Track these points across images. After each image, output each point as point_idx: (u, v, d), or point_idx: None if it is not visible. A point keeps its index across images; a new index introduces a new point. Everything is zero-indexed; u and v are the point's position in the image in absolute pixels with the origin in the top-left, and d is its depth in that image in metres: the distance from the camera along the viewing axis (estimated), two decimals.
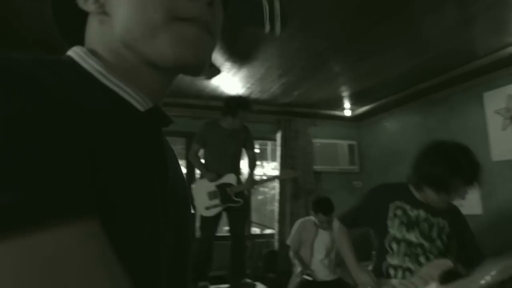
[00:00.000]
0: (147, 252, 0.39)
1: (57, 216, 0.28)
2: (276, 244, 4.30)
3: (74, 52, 0.45)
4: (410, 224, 1.78)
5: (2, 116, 0.28)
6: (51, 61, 0.38)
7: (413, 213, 1.78)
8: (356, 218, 1.91)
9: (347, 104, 4.47)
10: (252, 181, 3.37)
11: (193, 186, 3.26)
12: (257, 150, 3.66)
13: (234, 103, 3.12)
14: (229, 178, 3.20)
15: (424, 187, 1.73)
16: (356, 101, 4.35)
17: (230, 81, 3.54)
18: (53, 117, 0.31)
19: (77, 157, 0.32)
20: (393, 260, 1.81)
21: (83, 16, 0.48)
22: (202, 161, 3.28)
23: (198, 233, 3.33)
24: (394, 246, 1.82)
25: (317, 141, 4.78)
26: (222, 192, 3.16)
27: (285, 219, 4.30)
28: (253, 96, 4.04)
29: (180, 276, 0.51)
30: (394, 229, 1.81)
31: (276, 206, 4.47)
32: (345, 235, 1.90)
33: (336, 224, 2.02)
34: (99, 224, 0.31)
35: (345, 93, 4.06)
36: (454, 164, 1.60)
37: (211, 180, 3.16)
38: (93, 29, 0.47)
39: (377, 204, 1.87)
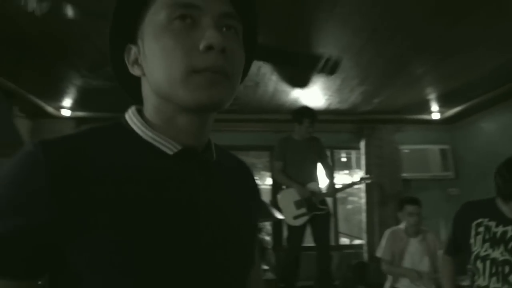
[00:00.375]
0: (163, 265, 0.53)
1: None
2: (365, 255, 4.21)
3: (128, 113, 0.63)
4: (495, 241, 1.69)
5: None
6: (106, 129, 0.60)
7: (498, 229, 1.69)
8: (452, 245, 1.95)
9: (434, 107, 4.22)
10: (333, 188, 3.42)
11: (278, 196, 3.41)
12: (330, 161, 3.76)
13: (298, 113, 3.36)
14: (312, 187, 3.30)
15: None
16: (445, 103, 4.09)
17: (308, 94, 3.64)
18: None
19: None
20: (480, 281, 1.73)
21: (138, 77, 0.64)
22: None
23: (286, 244, 3.46)
24: (480, 265, 1.75)
25: (405, 148, 4.58)
26: (308, 201, 3.26)
27: (374, 229, 4.20)
28: (332, 106, 4.07)
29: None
30: (477, 246, 1.76)
31: (363, 216, 4.39)
32: (447, 265, 1.98)
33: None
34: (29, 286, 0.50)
35: (431, 96, 3.85)
36: None
37: (303, 195, 3.27)
38: (144, 87, 0.63)
39: (462, 224, 1.84)
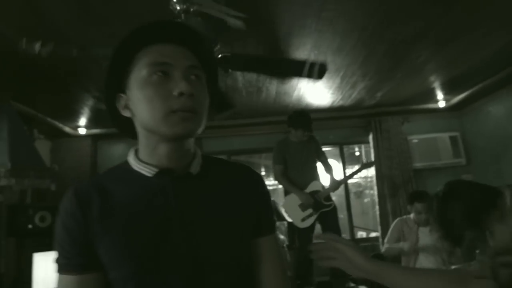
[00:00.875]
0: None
1: (65, 272, 0.76)
2: (381, 247, 4.26)
3: (129, 153, 0.87)
4: None
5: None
6: (118, 166, 0.86)
7: None
8: None
9: (440, 95, 4.23)
10: (335, 182, 3.47)
11: (284, 203, 3.50)
12: (331, 161, 3.81)
13: (293, 119, 3.39)
14: (315, 186, 3.38)
15: None
16: (450, 90, 4.09)
17: (310, 94, 3.74)
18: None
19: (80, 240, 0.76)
20: None
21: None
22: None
23: (297, 244, 3.55)
24: None
25: (414, 138, 4.60)
26: (313, 202, 3.34)
27: (387, 221, 4.24)
28: (336, 104, 4.15)
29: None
30: None
31: (376, 209, 4.44)
32: None
33: None
34: (91, 277, 0.76)
35: (435, 84, 3.87)
36: None
37: (304, 200, 3.35)
38: (136, 125, 0.84)
39: None
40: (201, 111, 0.78)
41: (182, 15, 2.02)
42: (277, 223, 4.07)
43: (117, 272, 0.76)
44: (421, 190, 3.24)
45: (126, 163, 0.85)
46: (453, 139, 4.59)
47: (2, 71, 2.75)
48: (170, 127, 0.75)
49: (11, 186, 2.60)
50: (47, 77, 2.84)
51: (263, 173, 7.43)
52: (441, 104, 4.43)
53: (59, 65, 2.66)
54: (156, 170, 0.80)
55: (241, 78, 3.17)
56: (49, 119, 3.74)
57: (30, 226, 3.37)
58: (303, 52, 2.71)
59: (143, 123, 0.79)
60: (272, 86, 3.45)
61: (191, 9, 2.02)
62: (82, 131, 4.27)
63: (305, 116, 3.41)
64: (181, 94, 0.74)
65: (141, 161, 0.82)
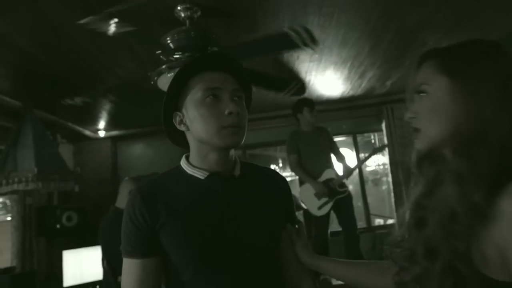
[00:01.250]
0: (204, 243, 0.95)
1: (130, 256, 0.95)
2: None
3: (182, 160, 1.05)
4: None
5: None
6: (172, 171, 1.04)
7: None
8: None
9: None
10: (348, 169, 3.55)
11: (299, 192, 3.59)
12: (343, 150, 3.90)
13: (296, 105, 3.56)
14: (328, 174, 3.46)
15: None
16: None
17: (319, 85, 3.78)
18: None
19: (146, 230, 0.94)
20: None
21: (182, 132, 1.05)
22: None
23: (313, 232, 3.64)
24: None
25: None
26: (328, 189, 3.42)
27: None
28: (347, 94, 4.17)
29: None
30: None
31: (391, 196, 4.47)
32: None
33: None
34: (151, 261, 0.94)
35: None
36: None
37: (318, 189, 3.44)
38: (189, 138, 1.03)
39: None
40: (244, 125, 0.98)
41: (187, 21, 2.11)
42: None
43: (178, 257, 0.94)
44: None
45: (179, 168, 1.04)
46: None
47: (24, 81, 2.92)
48: (222, 140, 0.95)
49: (38, 189, 2.77)
50: (66, 84, 2.99)
51: (280, 165, 7.53)
52: None
53: (77, 73, 2.80)
54: (207, 173, 0.99)
55: None
56: (70, 124, 3.93)
57: (58, 226, 3.59)
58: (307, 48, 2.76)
59: (198, 136, 0.98)
60: None
61: (195, 16, 2.11)
62: (101, 133, 4.45)
63: (305, 98, 3.53)
64: (230, 113, 0.94)
65: (194, 166, 1.01)
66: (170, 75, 1.90)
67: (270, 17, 2.30)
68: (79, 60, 2.64)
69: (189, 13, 2.09)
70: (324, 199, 3.44)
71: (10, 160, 2.78)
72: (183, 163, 1.04)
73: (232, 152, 1.02)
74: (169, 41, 1.99)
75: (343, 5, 2.26)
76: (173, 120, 1.02)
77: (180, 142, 1.07)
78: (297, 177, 3.74)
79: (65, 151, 4.06)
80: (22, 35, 2.24)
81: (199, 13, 2.12)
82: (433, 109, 0.78)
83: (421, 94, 0.81)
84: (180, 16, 2.10)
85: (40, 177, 2.72)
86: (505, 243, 0.64)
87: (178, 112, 1.01)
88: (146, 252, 0.95)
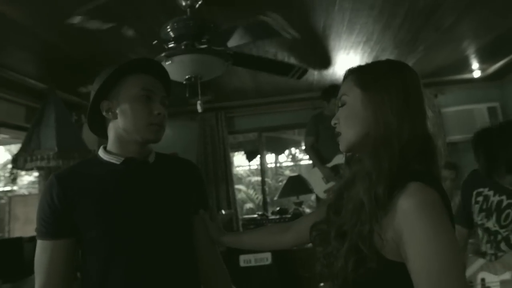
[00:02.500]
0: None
1: (43, 238, 1.06)
2: None
3: (99, 149, 1.17)
4: (489, 211, 1.72)
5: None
6: (89, 159, 1.23)
7: (495, 199, 1.71)
8: (461, 213, 1.89)
9: (475, 64, 4.03)
10: None
11: (309, 174, 3.67)
12: None
13: (325, 92, 3.61)
14: (339, 159, 3.50)
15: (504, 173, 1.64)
16: (487, 57, 3.87)
17: (332, 71, 3.77)
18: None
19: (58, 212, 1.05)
20: (481, 247, 1.80)
21: (103, 120, 1.16)
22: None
23: None
24: (480, 233, 1.80)
25: (449, 110, 4.45)
26: (336, 174, 3.47)
27: None
28: None
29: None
30: (475, 215, 1.80)
31: None
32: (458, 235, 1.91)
33: None
34: (64, 242, 1.05)
35: (468, 52, 3.68)
36: (498, 144, 1.54)
37: (325, 174, 3.50)
38: (110, 125, 1.15)
39: (466, 193, 1.87)
40: (165, 126, 1.15)
41: (188, 10, 2.19)
42: (303, 197, 4.24)
43: (92, 233, 1.04)
44: (451, 161, 3.27)
45: (96, 156, 1.16)
46: (491, 110, 4.37)
47: (47, 66, 3.13)
48: (148, 134, 1.10)
49: (60, 166, 3.00)
50: (83, 68, 3.17)
51: (303, 147, 7.57)
52: (476, 74, 4.22)
53: (91, 57, 2.96)
54: (122, 158, 1.12)
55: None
56: None
57: None
58: (314, 31, 2.77)
59: (125, 126, 1.10)
60: None
61: (196, 5, 2.18)
62: None
63: (333, 86, 3.61)
64: (159, 114, 1.10)
65: (110, 153, 1.13)
66: (168, 63, 1.99)
67: (270, 4, 2.33)
68: (94, 47, 2.79)
69: (189, 1, 2.16)
70: (331, 183, 3.49)
71: (34, 138, 3.01)
72: (100, 152, 1.15)
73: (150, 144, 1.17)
74: (169, 30, 2.08)
75: None
76: (100, 107, 1.12)
77: (97, 130, 1.19)
78: (302, 163, 3.83)
79: (88, 131, 4.30)
80: (42, 25, 2.41)
81: (200, 1, 2.19)
82: (350, 116, 0.93)
83: (342, 103, 0.96)
84: (181, 4, 2.18)
85: (61, 155, 2.94)
86: (398, 232, 0.78)
87: (107, 101, 1.12)
88: (59, 233, 1.04)
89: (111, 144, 1.15)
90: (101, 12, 2.37)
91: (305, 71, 2.53)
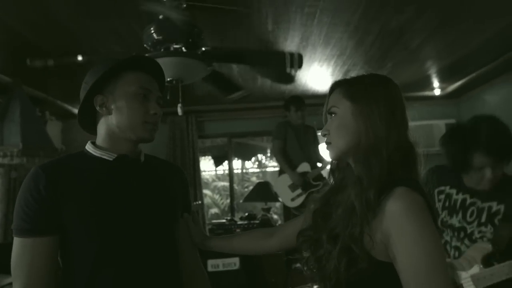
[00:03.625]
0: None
1: (26, 235, 0.97)
2: None
3: (87, 145, 1.13)
4: (453, 209, 1.77)
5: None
6: (76, 154, 1.12)
7: (458, 197, 1.76)
8: None
9: (435, 83, 4.30)
10: (325, 163, 3.71)
11: (274, 183, 3.75)
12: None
13: (285, 102, 3.81)
14: (303, 167, 3.60)
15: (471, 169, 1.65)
16: (447, 77, 4.15)
17: (304, 81, 3.88)
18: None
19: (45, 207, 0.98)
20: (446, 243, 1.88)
21: (95, 115, 1.12)
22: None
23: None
24: (444, 230, 1.89)
25: (410, 124, 4.68)
26: (302, 182, 3.56)
27: None
28: None
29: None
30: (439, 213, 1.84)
31: None
32: None
33: None
34: (48, 240, 0.98)
35: (430, 71, 3.92)
36: (471, 137, 1.55)
37: (295, 179, 3.58)
38: (102, 120, 1.11)
39: (428, 190, 1.94)
40: (159, 124, 1.14)
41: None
42: (270, 204, 4.30)
43: (82, 231, 1.00)
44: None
45: (83, 151, 1.12)
46: (449, 126, 4.67)
47: (13, 59, 2.98)
48: (142, 132, 1.09)
49: (23, 164, 2.87)
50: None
51: (268, 155, 7.66)
52: (437, 92, 4.50)
53: (64, 52, 2.86)
54: (114, 155, 1.09)
55: (235, 66, 3.33)
56: (59, 102, 4.00)
57: None
58: (291, 43, 2.85)
59: (119, 123, 1.07)
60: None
61: (180, 8, 2.18)
62: None
63: (295, 97, 3.79)
64: (155, 113, 1.10)
65: (101, 149, 1.10)
66: None
67: (253, 12, 2.38)
68: (65, 40, 2.70)
69: (174, 4, 2.16)
70: (298, 191, 3.58)
71: None
72: (88, 147, 1.11)
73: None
74: (152, 32, 2.07)
75: (324, 6, 2.35)
76: (94, 101, 1.08)
77: (86, 125, 1.15)
78: (273, 170, 3.92)
79: (54, 128, 4.14)
80: (8, 13, 2.30)
81: (184, 5, 2.19)
82: (341, 126, 0.98)
83: (332, 115, 1.01)
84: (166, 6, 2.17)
85: (25, 152, 2.81)
86: (386, 234, 0.85)
87: (101, 95, 1.08)
88: (45, 230, 0.97)
89: (101, 139, 1.11)
90: (87, 10, 2.32)
91: (301, 57, 2.40)
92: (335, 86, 1.04)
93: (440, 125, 4.68)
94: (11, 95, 3.05)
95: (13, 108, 2.96)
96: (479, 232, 1.72)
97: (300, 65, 2.33)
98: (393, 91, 1.01)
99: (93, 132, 1.16)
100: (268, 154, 7.49)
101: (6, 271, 2.89)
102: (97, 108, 1.08)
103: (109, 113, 1.08)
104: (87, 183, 1.02)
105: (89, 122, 1.14)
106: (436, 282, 0.78)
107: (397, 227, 0.82)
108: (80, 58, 2.16)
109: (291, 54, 2.28)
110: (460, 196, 1.77)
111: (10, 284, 2.37)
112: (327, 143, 1.02)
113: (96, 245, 1.00)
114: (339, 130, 0.98)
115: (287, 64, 2.34)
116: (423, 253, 0.80)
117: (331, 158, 1.03)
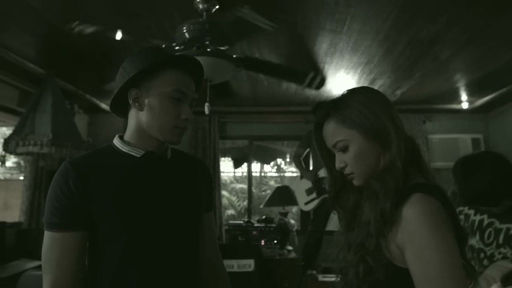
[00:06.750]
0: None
1: (56, 229, 0.99)
2: None
3: (114, 139, 1.13)
4: (470, 230, 1.78)
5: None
6: (103, 149, 1.12)
7: (476, 218, 1.78)
8: None
9: (464, 96, 4.21)
10: None
11: (292, 187, 3.76)
12: None
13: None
14: (322, 172, 3.58)
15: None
16: (475, 91, 4.06)
17: (329, 88, 3.86)
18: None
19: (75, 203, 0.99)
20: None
21: (127, 103, 1.09)
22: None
23: (309, 228, 3.78)
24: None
25: (434, 137, 4.62)
26: (318, 187, 3.56)
27: None
28: None
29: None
30: None
31: None
32: None
33: None
34: (78, 235, 0.99)
35: (459, 84, 3.85)
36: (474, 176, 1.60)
37: (309, 179, 3.59)
38: (133, 113, 1.10)
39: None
40: (187, 128, 1.13)
41: (204, 13, 2.23)
42: (287, 208, 4.30)
43: (109, 227, 1.00)
44: None
45: (111, 146, 1.12)
46: (475, 141, 4.56)
47: (48, 51, 3.10)
48: (171, 136, 1.08)
49: (51, 154, 2.96)
50: (88, 60, 3.16)
51: (287, 159, 7.65)
52: (465, 105, 4.40)
53: (96, 48, 2.96)
54: (142, 152, 1.09)
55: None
56: (87, 96, 4.11)
57: None
58: (319, 49, 2.86)
59: (149, 123, 1.06)
60: None
61: (213, 10, 2.22)
62: None
63: None
64: (186, 119, 1.08)
65: (129, 145, 1.09)
66: None
67: (286, 15, 2.39)
68: (100, 38, 2.78)
69: (206, 5, 2.20)
70: (312, 196, 3.59)
71: (28, 123, 2.96)
72: (116, 142, 1.10)
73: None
74: (184, 31, 2.12)
75: (355, 13, 2.35)
76: (128, 94, 1.05)
77: (118, 109, 1.13)
78: (286, 174, 3.94)
79: (81, 121, 4.26)
80: (51, 9, 2.40)
81: (217, 6, 2.23)
82: (358, 155, 0.96)
83: (343, 149, 0.98)
84: (198, 7, 2.22)
85: (54, 143, 2.90)
86: (402, 239, 0.86)
87: (136, 89, 1.05)
88: (75, 224, 0.98)
89: (130, 134, 1.10)
90: (120, 9, 2.39)
91: (323, 80, 2.47)
92: (325, 114, 1.00)
93: (466, 139, 4.57)
94: (44, 86, 3.15)
95: (45, 99, 3.06)
96: (499, 253, 1.70)
97: (318, 88, 2.43)
98: (382, 97, 1.00)
99: (123, 117, 1.14)
100: (288, 159, 7.47)
101: (30, 256, 2.97)
102: (130, 101, 1.06)
103: (141, 109, 1.06)
104: (114, 180, 1.03)
105: (120, 107, 1.12)
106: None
107: (410, 231, 0.84)
108: (119, 35, 2.23)
109: (314, 76, 2.37)
110: (478, 217, 1.77)
111: (33, 268, 2.48)
112: (348, 174, 0.99)
113: (122, 242, 1.00)
114: (359, 159, 0.96)
115: (306, 82, 2.45)
116: (436, 258, 0.79)
117: (357, 185, 1.00)
